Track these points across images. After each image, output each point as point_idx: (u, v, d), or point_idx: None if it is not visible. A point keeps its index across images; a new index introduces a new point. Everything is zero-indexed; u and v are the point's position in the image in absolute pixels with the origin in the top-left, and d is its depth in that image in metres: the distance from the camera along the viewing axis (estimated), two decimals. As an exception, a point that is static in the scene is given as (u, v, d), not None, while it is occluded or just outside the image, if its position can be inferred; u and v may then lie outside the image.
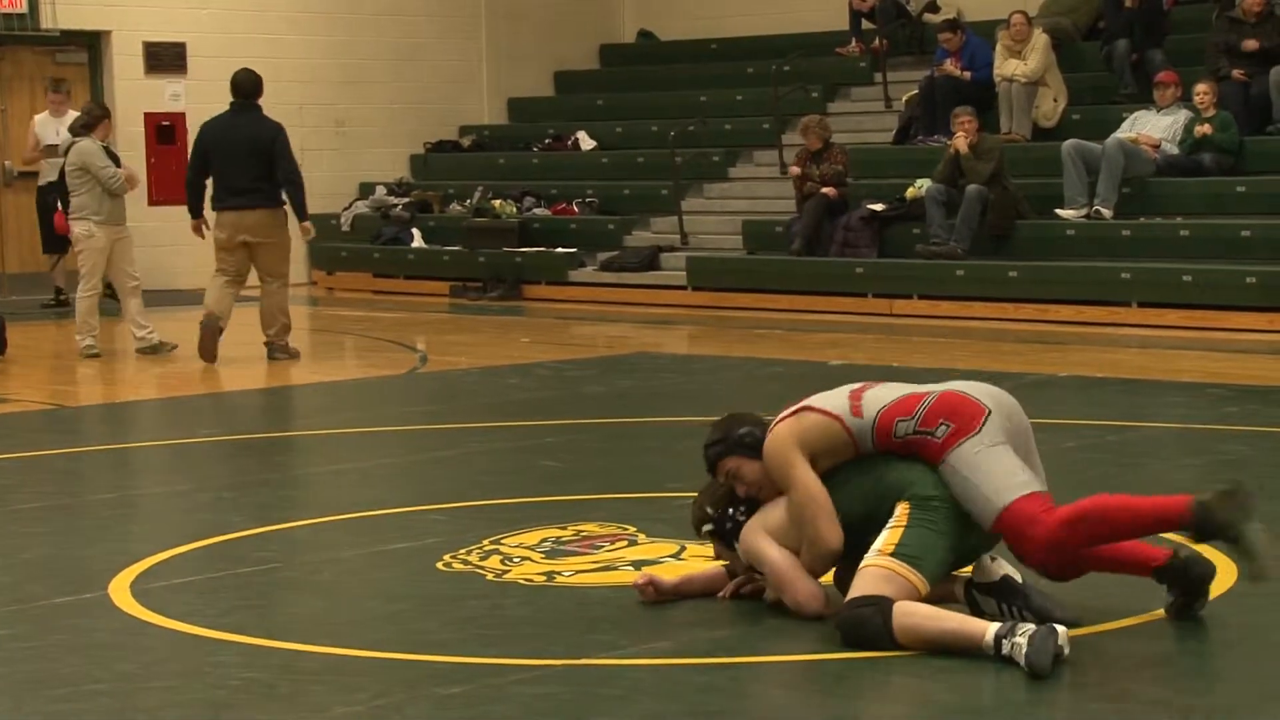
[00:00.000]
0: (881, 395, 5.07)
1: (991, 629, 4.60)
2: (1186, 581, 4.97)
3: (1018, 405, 5.13)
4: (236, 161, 12.38)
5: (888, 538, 4.87)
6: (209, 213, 12.70)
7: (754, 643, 4.93)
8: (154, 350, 12.98)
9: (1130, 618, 5.06)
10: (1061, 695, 4.45)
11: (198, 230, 12.84)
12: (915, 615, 4.68)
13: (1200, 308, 13.45)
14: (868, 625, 4.70)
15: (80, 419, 10.50)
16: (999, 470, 4.88)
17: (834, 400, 5.10)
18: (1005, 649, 4.52)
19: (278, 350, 12.72)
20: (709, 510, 5.26)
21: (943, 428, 4.92)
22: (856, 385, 5.16)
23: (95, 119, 13.09)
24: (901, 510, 4.91)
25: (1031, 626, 4.56)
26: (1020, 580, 4.93)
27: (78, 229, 12.91)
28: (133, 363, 12.84)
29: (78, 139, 12.99)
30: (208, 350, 12.40)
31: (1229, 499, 4.68)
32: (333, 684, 4.65)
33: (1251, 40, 14.93)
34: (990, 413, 4.96)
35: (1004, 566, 4.96)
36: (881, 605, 4.69)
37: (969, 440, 4.90)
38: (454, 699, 4.48)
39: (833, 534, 4.98)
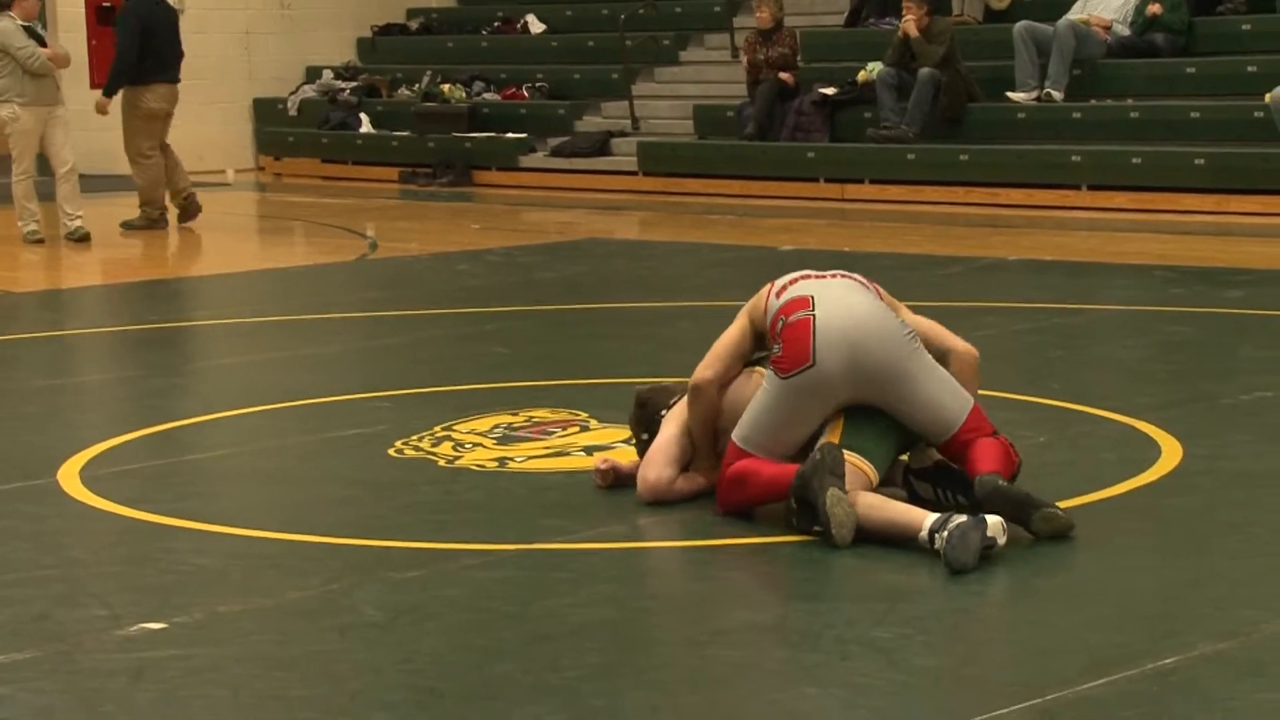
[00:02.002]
0: (800, 289, 5.08)
1: (928, 522, 4.60)
2: (1003, 504, 4.74)
3: (887, 348, 4.90)
4: (172, 36, 13.63)
5: (832, 431, 4.91)
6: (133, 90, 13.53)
7: (706, 527, 4.96)
8: (80, 239, 12.82)
9: (1079, 497, 5.10)
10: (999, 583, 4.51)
11: (106, 109, 13.70)
12: (859, 505, 4.71)
13: (1149, 190, 13.48)
14: (810, 482, 4.72)
15: (23, 305, 10.41)
16: (752, 412, 4.98)
17: (786, 279, 5.17)
18: (937, 544, 4.53)
19: (194, 203, 13.76)
20: (644, 436, 5.37)
21: (776, 347, 5.00)
22: (814, 275, 5.16)
23: None
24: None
25: (962, 518, 4.55)
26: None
27: (2, 112, 12.72)
28: (77, 248, 12.72)
29: None
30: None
31: (817, 467, 4.70)
32: (284, 569, 4.66)
33: (1201, -82, 14.85)
34: (811, 367, 4.89)
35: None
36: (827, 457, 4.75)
37: (772, 374, 4.96)
38: (407, 583, 4.50)
39: (701, 371, 5.13)
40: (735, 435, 5.00)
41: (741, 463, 4.95)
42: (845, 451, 4.82)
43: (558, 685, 3.76)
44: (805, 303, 5.00)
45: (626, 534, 4.94)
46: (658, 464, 5.18)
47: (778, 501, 4.86)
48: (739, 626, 4.13)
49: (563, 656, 3.93)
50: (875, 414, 4.93)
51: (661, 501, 5.13)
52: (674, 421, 5.26)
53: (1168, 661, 3.78)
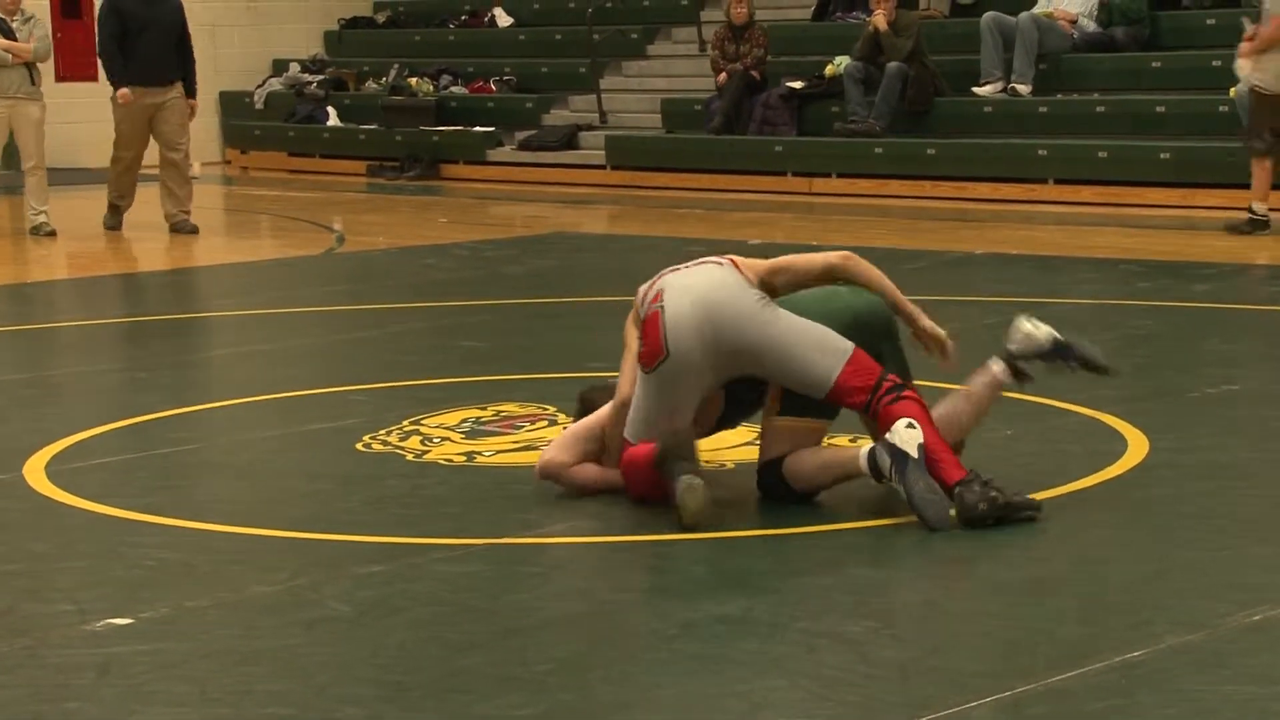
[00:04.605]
0: (658, 284, 5.12)
1: (863, 460, 4.87)
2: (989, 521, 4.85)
3: (736, 323, 4.96)
4: (160, 38, 12.73)
5: (772, 397, 5.08)
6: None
7: (673, 521, 4.95)
8: (46, 235, 12.70)
9: (1046, 490, 5.12)
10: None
11: (126, 99, 12.84)
12: (803, 467, 4.97)
13: (1115, 184, 13.53)
14: (772, 491, 5.05)
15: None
16: (633, 408, 5.07)
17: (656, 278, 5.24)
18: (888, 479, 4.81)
19: (183, 225, 13.05)
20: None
21: (640, 346, 5.07)
22: (679, 267, 5.20)
23: None
24: None
25: (885, 455, 4.78)
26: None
27: None
28: (43, 242, 12.66)
29: None
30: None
31: (667, 454, 4.84)
32: (251, 563, 4.64)
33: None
34: (666, 358, 4.98)
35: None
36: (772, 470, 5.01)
37: (640, 369, 5.05)
38: (373, 578, 4.49)
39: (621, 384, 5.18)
40: (627, 431, 5.11)
41: (628, 451, 5.07)
42: (787, 418, 5.02)
43: (526, 679, 3.75)
44: (658, 296, 5.09)
45: (594, 528, 4.94)
46: (556, 446, 5.27)
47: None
48: (706, 619, 4.13)
49: (530, 650, 3.93)
50: None
51: (556, 482, 5.20)
52: (595, 414, 5.32)
53: (1135, 654, 3.80)
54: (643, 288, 5.21)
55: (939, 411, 5.07)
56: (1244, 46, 11.66)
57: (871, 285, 5.12)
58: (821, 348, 4.95)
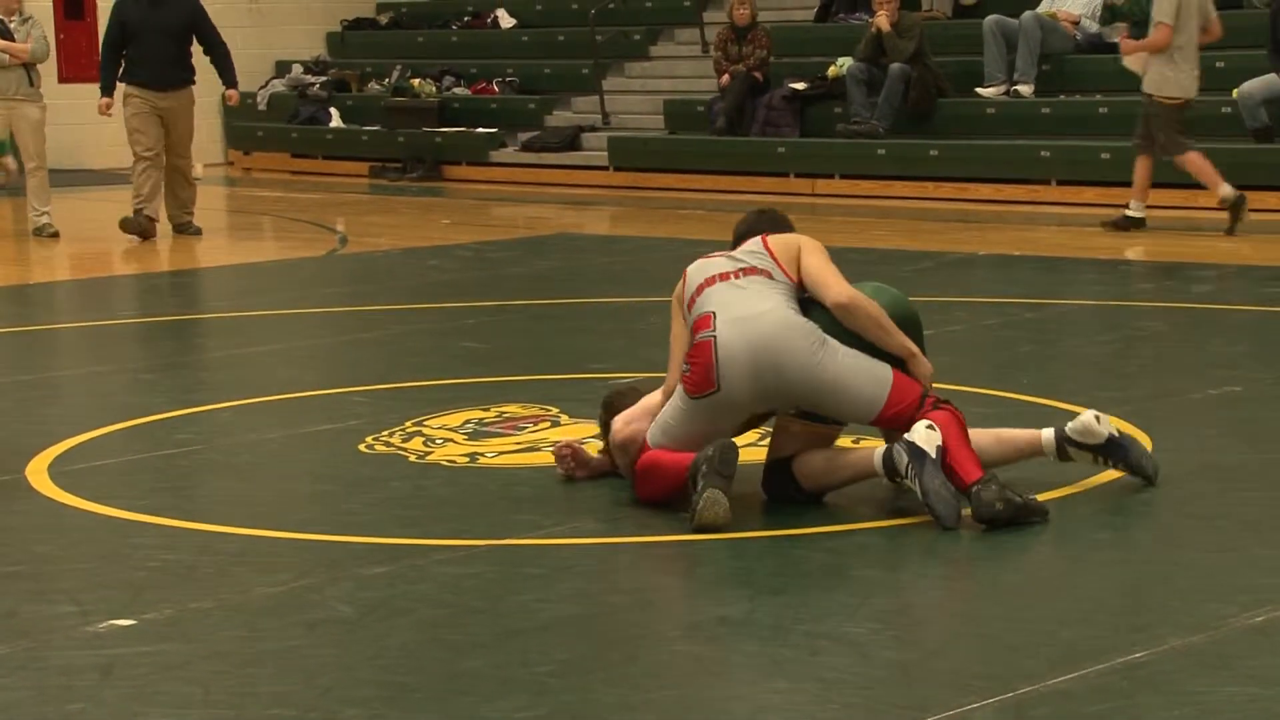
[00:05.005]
0: (705, 302, 5.09)
1: (877, 461, 4.90)
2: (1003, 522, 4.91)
3: (791, 366, 4.94)
4: (157, 40, 12.54)
5: None
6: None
7: (678, 524, 4.96)
8: (49, 236, 12.69)
9: (1049, 491, 5.12)
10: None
11: (104, 110, 12.74)
12: (816, 469, 4.99)
13: (1117, 185, 13.49)
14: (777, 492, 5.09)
15: (-6, 302, 10.36)
16: (665, 420, 5.07)
17: (699, 278, 5.21)
18: (907, 482, 4.83)
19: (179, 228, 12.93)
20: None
21: (686, 368, 5.05)
22: (719, 274, 5.17)
23: None
24: None
25: (904, 455, 4.81)
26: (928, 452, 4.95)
27: None
28: (47, 243, 12.66)
29: None
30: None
31: (707, 463, 4.81)
32: (254, 565, 4.64)
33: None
34: (715, 391, 4.96)
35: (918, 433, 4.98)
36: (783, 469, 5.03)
37: (682, 390, 5.03)
38: (376, 579, 4.49)
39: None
40: (649, 436, 5.09)
41: (648, 454, 5.06)
42: (803, 422, 5.01)
43: (528, 680, 3.76)
44: (708, 321, 5.04)
45: (597, 529, 4.94)
46: (639, 417, 5.20)
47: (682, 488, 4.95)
48: (709, 621, 4.14)
49: (533, 652, 3.93)
50: None
51: (624, 454, 5.18)
52: (651, 396, 5.28)
53: (1137, 655, 3.80)
54: (690, 281, 5.16)
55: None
56: (1127, 44, 12.03)
57: (867, 335, 5.05)
58: (868, 377, 4.95)
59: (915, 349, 5.09)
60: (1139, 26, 14.50)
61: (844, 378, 4.95)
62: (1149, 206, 11.97)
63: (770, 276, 5.11)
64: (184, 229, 12.84)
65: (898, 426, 4.97)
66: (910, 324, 5.14)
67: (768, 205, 5.57)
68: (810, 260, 5.15)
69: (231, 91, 12.97)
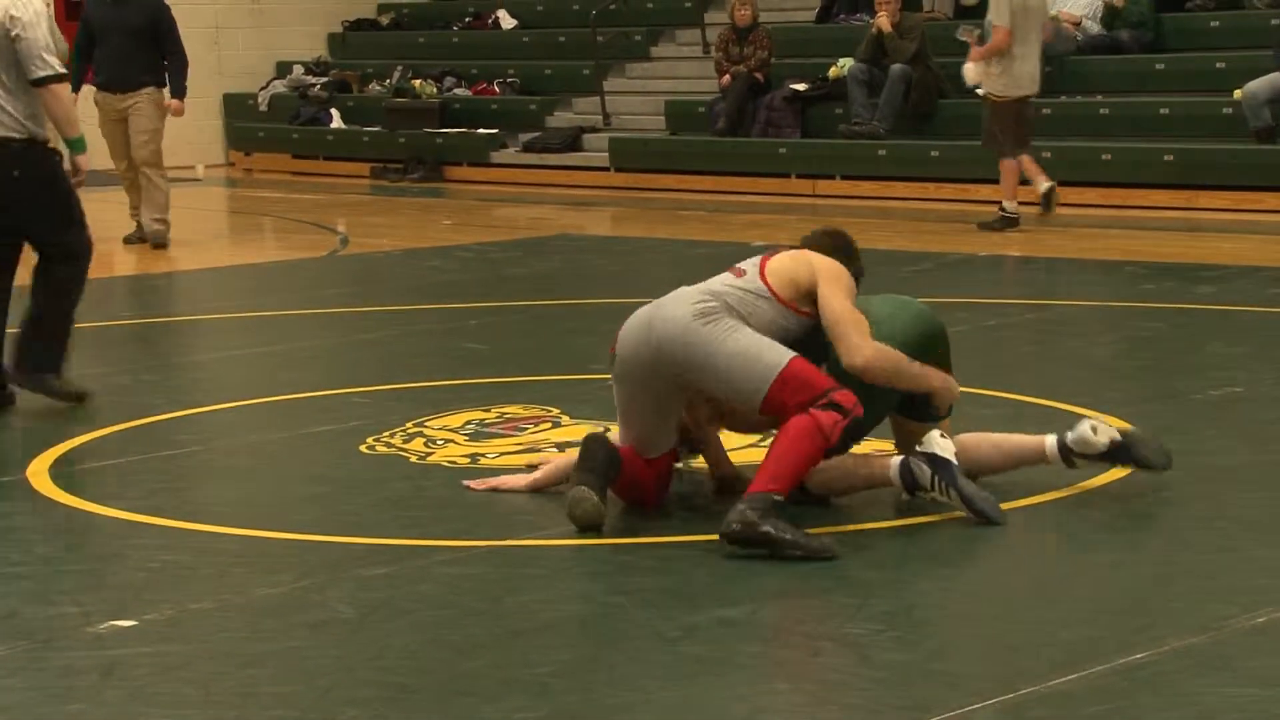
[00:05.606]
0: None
1: (894, 471, 4.92)
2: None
3: (668, 330, 4.87)
4: (120, 41, 12.17)
5: None
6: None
7: (676, 524, 4.96)
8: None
9: (1049, 492, 5.12)
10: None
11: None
12: (828, 472, 4.96)
13: (1119, 186, 13.52)
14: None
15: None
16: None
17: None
18: (932, 492, 4.86)
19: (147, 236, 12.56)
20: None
21: None
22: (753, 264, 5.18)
23: None
24: None
25: (925, 466, 4.86)
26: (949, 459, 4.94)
27: None
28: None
29: None
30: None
31: (580, 455, 4.86)
32: (254, 566, 4.65)
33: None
34: (614, 355, 5.02)
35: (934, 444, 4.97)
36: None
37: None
38: (377, 580, 4.49)
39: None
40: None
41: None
42: (916, 421, 5.07)
43: (529, 681, 3.76)
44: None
45: (597, 531, 4.94)
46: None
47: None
48: (710, 622, 4.14)
49: (534, 652, 3.93)
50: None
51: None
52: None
53: (1138, 656, 3.80)
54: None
55: (961, 439, 5.04)
56: (975, 51, 12.19)
57: (891, 387, 5.01)
58: (747, 370, 4.78)
59: (936, 383, 5.02)
60: (1145, 31, 14.53)
61: (722, 359, 4.78)
62: (1163, 207, 12.06)
63: (756, 295, 4.97)
64: (152, 237, 12.28)
65: (785, 418, 4.76)
66: (937, 338, 5.14)
67: (834, 227, 5.48)
68: (828, 304, 4.96)
69: (175, 102, 12.40)
